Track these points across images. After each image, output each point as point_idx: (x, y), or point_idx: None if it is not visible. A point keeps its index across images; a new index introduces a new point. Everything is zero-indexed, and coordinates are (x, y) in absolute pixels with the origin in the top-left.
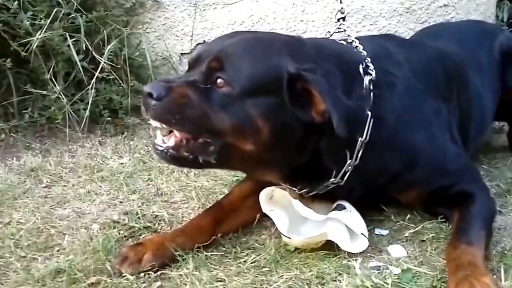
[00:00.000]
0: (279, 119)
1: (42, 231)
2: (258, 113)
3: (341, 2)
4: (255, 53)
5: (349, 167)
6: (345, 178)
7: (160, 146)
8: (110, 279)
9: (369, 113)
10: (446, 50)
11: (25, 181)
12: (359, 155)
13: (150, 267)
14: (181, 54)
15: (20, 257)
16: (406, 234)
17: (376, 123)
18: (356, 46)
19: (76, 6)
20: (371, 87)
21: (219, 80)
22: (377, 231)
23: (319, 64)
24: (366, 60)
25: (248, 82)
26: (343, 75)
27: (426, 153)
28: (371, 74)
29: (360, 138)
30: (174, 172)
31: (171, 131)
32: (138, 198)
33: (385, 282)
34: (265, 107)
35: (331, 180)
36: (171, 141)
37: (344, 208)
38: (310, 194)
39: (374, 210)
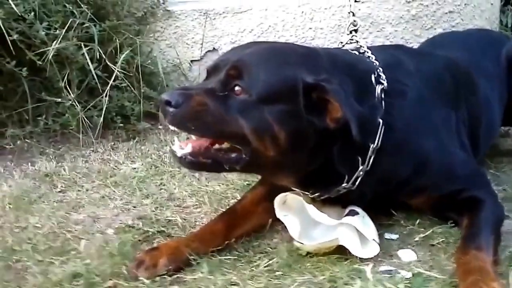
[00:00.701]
0: (295, 125)
1: (59, 235)
2: (274, 119)
3: (353, 15)
4: (272, 63)
5: (361, 173)
6: (357, 183)
7: (178, 152)
8: (127, 282)
9: (381, 120)
10: (454, 59)
11: (40, 186)
12: (371, 161)
13: (165, 271)
14: (191, 61)
15: (38, 261)
16: (416, 239)
17: (387, 131)
18: (369, 56)
19: (90, 16)
20: (383, 96)
21: (236, 88)
22: (387, 235)
23: (333, 74)
24: (378, 70)
25: (264, 90)
26: (356, 84)
27: (435, 159)
28: (382, 84)
29: (371, 145)
30: (185, 176)
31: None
32: (151, 203)
33: (397, 287)
34: (281, 114)
35: (343, 185)
36: (188, 147)
37: (357, 213)
38: (322, 198)
39: (384, 215)
